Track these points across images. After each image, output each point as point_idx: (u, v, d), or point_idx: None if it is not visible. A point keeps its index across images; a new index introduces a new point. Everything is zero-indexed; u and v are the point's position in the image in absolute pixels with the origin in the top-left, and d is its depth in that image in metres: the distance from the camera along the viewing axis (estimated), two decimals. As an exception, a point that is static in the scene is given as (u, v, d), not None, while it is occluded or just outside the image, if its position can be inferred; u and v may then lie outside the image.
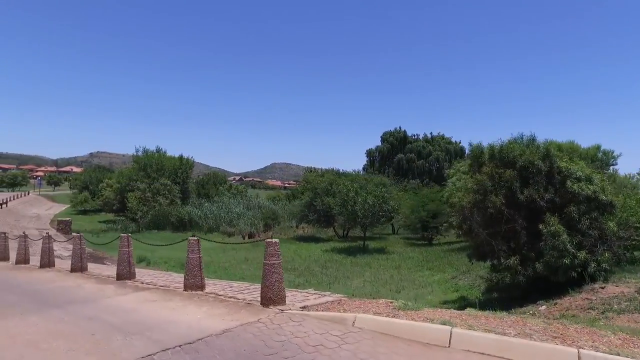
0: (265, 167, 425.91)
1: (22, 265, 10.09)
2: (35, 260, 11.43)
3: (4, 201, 46.72)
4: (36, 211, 51.90)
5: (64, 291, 6.44)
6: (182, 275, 8.52)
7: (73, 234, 8.24)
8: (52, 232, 36.42)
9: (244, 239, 33.46)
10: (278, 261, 4.94)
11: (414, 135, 67.98)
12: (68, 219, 37.55)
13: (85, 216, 50.96)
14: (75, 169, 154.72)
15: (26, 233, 11.98)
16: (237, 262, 22.88)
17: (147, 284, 7.37)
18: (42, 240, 9.62)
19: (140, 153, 47.57)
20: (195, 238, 6.40)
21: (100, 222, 46.89)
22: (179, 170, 47.53)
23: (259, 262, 20.67)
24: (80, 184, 58.73)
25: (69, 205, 59.82)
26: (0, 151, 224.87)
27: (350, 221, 26.52)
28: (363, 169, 73.14)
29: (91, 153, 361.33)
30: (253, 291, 6.46)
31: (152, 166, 45.41)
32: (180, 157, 48.96)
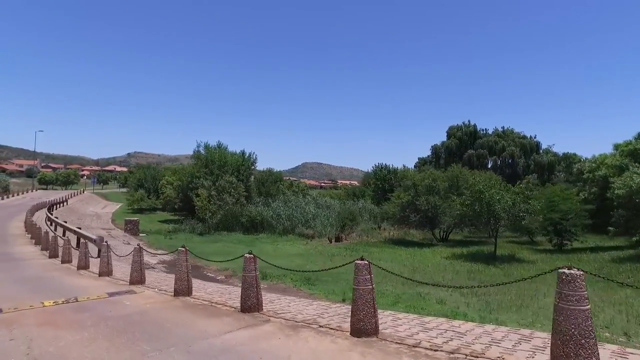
0: (297, 167, 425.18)
1: (190, 301, 6.33)
2: (202, 287, 7.71)
3: (65, 199, 45.13)
4: (93, 209, 50.12)
5: None
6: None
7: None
8: (120, 232, 33.84)
9: (330, 242, 29.66)
10: None
11: (482, 130, 62.53)
12: (135, 218, 34.88)
13: (143, 215, 48.56)
14: (119, 168, 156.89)
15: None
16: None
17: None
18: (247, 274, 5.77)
19: (201, 149, 44.61)
20: None
21: (160, 221, 44.31)
22: (241, 167, 44.32)
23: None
24: (134, 182, 56.65)
25: (122, 204, 58.03)
26: (47, 152, 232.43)
27: (479, 222, 22.29)
28: (415, 166, 68.25)
29: (129, 153, 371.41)
30: None
31: (215, 162, 42.37)
32: (243, 153, 45.73)
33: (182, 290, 6.67)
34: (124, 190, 72.86)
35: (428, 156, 68.37)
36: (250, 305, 5.39)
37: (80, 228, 17.16)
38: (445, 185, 28.12)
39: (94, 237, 14.01)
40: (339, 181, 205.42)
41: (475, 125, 60.54)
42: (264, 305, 5.67)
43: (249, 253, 5.54)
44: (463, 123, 61.22)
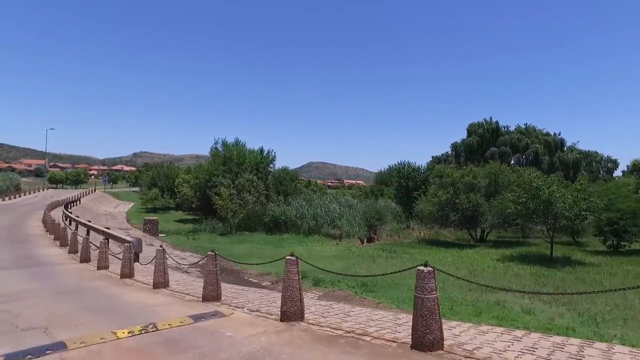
0: (302, 166, 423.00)
1: (314, 329, 4.60)
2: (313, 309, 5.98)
3: (77, 198, 43.88)
4: (106, 209, 48.68)
5: None
6: None
7: None
8: (139, 232, 32.31)
9: (361, 242, 27.99)
10: None
11: (504, 127, 60.59)
12: (155, 218, 33.33)
13: (157, 214, 46.93)
14: (126, 168, 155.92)
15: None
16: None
17: None
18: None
19: (219, 146, 42.99)
20: None
21: (175, 221, 42.75)
22: (260, 165, 42.68)
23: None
24: (148, 181, 55.18)
25: (134, 203, 56.58)
26: (54, 152, 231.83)
27: (530, 221, 20.63)
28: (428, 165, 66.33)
29: (134, 153, 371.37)
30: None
31: (233, 160, 40.75)
32: (261, 150, 44.10)
33: (294, 313, 4.98)
34: (135, 189, 71.49)
35: (443, 154, 66.47)
36: (433, 340, 3.70)
37: (108, 228, 15.58)
38: (486, 183, 26.40)
39: (130, 239, 12.41)
40: (345, 180, 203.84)
41: (497, 123, 58.61)
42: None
43: (425, 265, 3.87)
44: (484, 120, 59.32)
